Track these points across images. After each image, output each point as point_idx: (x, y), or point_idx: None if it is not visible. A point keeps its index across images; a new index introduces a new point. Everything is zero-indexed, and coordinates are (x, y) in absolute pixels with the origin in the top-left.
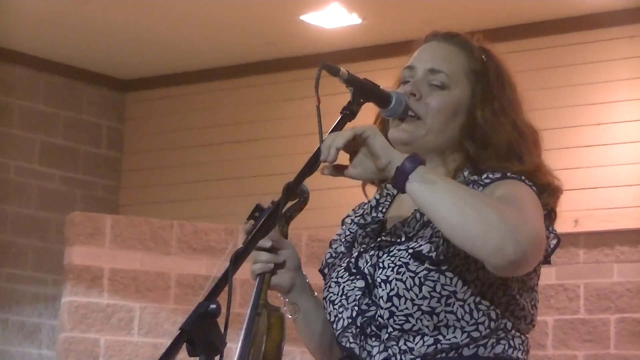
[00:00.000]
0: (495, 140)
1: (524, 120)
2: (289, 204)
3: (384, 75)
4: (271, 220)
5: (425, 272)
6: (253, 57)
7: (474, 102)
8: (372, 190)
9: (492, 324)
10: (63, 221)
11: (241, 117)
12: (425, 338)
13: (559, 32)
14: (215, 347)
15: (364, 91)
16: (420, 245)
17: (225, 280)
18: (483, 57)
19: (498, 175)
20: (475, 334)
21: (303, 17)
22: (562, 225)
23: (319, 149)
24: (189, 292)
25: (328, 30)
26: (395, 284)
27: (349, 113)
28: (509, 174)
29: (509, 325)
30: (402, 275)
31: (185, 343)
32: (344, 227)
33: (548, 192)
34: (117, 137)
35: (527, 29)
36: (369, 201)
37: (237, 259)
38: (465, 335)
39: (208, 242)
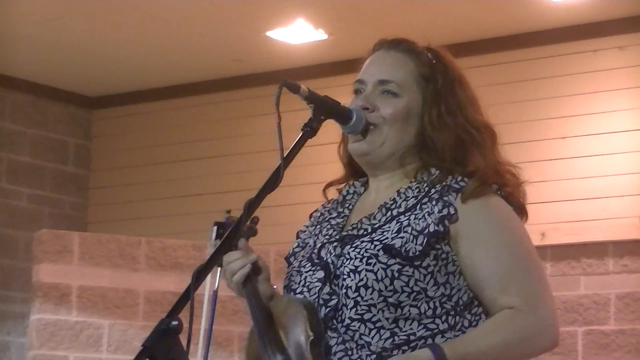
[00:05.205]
0: (439, 143)
1: (477, 119)
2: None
3: (351, 91)
4: (233, 236)
5: (398, 266)
6: (220, 73)
7: (424, 106)
8: (332, 193)
9: (451, 320)
10: (31, 239)
11: (209, 133)
12: (382, 332)
13: (523, 46)
14: None
15: (324, 108)
16: (389, 238)
17: (187, 296)
18: (431, 60)
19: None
20: (432, 326)
21: (269, 33)
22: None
23: (279, 166)
24: (158, 308)
25: (294, 46)
26: (365, 275)
27: (309, 130)
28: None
29: (466, 323)
30: (373, 267)
31: None
32: (311, 219)
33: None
34: (84, 154)
35: (491, 44)
36: (337, 198)
37: (199, 275)
38: (422, 327)
39: (176, 258)
